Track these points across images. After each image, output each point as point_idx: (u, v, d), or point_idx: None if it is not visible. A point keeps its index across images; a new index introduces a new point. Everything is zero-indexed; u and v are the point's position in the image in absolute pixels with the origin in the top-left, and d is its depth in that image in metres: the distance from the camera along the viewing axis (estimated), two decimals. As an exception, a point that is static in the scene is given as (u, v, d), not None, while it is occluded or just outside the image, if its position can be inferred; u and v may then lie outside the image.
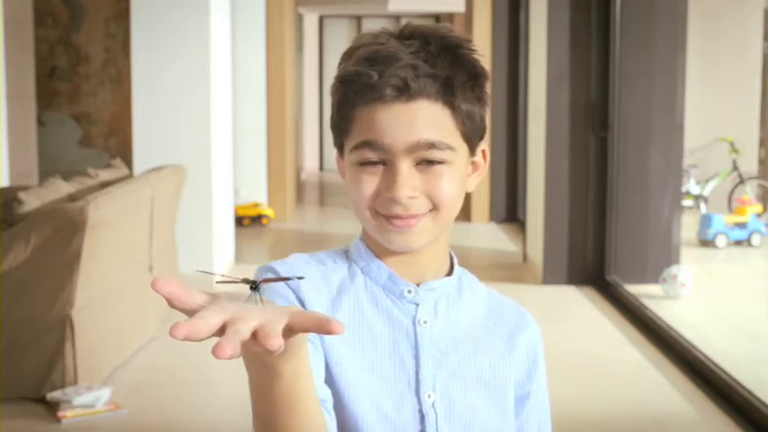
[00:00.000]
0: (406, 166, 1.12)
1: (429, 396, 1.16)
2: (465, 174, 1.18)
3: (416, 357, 1.17)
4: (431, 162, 1.12)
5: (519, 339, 1.25)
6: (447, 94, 1.12)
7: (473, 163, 1.20)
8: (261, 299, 0.90)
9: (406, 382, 1.15)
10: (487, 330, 1.24)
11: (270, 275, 1.15)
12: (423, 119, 1.11)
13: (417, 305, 1.19)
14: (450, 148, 1.13)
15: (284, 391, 0.91)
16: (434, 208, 1.14)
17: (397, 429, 1.13)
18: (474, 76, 1.15)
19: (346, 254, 1.22)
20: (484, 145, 1.21)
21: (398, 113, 1.11)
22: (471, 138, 1.17)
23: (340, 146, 1.19)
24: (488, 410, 1.20)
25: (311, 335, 1.09)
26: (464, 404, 1.17)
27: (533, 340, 1.27)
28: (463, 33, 1.18)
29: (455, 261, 1.25)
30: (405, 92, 1.10)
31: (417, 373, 1.16)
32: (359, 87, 1.11)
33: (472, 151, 1.18)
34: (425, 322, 1.18)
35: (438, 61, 1.12)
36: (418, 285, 1.19)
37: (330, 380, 1.13)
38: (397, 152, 1.11)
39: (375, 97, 1.11)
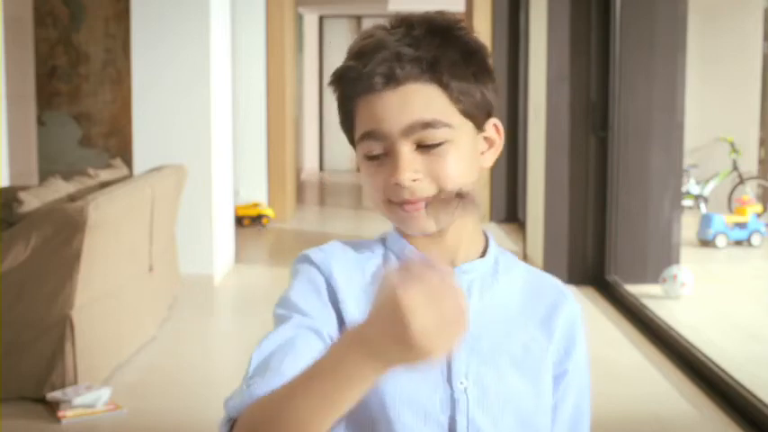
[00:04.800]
0: (406, 151, 1.13)
1: (461, 383, 1.16)
2: (474, 150, 1.19)
3: None
4: (431, 144, 1.14)
5: (556, 319, 1.24)
6: (435, 74, 1.14)
7: (486, 138, 1.21)
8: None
9: (439, 370, 1.16)
10: (523, 312, 1.24)
11: (305, 264, 1.19)
12: (414, 101, 1.13)
13: None
14: (446, 125, 1.14)
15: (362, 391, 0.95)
16: (441, 191, 1.15)
17: (429, 416, 1.14)
18: (467, 53, 1.16)
19: (383, 241, 1.25)
20: (495, 120, 1.21)
21: (390, 100, 1.13)
22: (473, 113, 1.17)
23: (352, 141, 1.22)
24: (523, 393, 1.20)
25: (327, 329, 1.13)
26: (498, 389, 1.18)
27: (572, 318, 1.26)
28: (454, 16, 1.19)
29: (491, 242, 1.25)
30: (392, 79, 1.13)
31: (449, 359, 1.16)
32: (350, 81, 1.15)
33: (479, 127, 1.19)
34: None
35: (423, 44, 1.14)
36: None
37: None
38: (396, 137, 1.13)
39: (367, 89, 1.14)
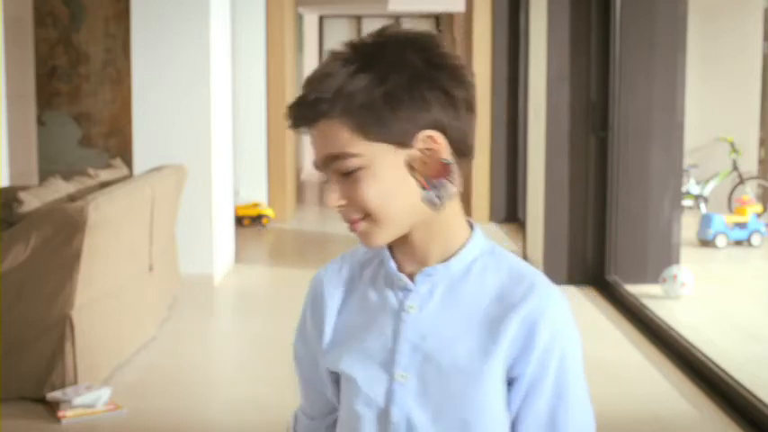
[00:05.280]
0: (331, 180, 1.23)
1: (402, 376, 1.25)
2: (401, 169, 1.21)
3: (395, 340, 1.26)
4: (348, 172, 1.21)
5: (508, 322, 1.22)
6: (335, 109, 1.20)
7: (425, 150, 1.21)
8: None
9: (384, 362, 1.26)
10: (486, 315, 1.23)
11: (308, 292, 1.38)
12: (324, 136, 1.22)
13: (410, 291, 1.27)
14: (353, 155, 1.20)
15: None
16: (366, 213, 1.22)
17: (370, 403, 1.26)
18: (382, 76, 1.19)
19: None
20: (428, 131, 1.20)
21: (312, 136, 1.24)
22: (388, 136, 1.19)
23: None
24: (467, 396, 1.22)
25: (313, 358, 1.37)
26: (438, 388, 1.23)
27: (531, 319, 1.22)
28: (397, 31, 1.23)
29: (473, 239, 1.28)
30: (304, 120, 1.23)
31: (394, 354, 1.25)
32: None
33: (404, 145, 1.20)
34: (411, 308, 1.26)
35: (332, 78, 1.20)
36: (415, 271, 1.27)
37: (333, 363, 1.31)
38: (322, 168, 1.24)
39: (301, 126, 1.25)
